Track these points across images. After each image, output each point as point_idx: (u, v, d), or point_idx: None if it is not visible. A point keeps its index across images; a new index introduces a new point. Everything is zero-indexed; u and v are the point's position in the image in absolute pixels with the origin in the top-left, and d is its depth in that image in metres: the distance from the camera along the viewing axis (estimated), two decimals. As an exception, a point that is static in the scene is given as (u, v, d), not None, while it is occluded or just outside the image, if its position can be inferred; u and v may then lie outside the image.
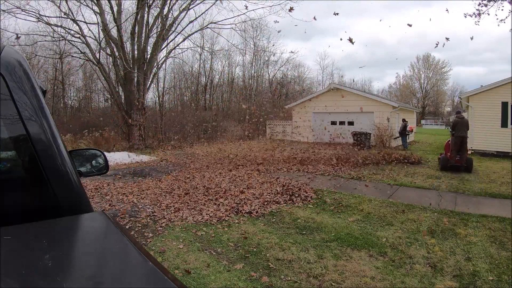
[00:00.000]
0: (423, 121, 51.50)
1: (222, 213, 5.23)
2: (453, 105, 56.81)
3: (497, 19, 9.37)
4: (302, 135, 18.60)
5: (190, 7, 15.20)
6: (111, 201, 6.00)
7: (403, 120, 15.74)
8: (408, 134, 15.86)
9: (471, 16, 9.40)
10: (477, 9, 9.31)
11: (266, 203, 5.86)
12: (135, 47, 15.05)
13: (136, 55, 15.04)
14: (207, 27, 16.52)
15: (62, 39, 14.93)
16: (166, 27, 15.16)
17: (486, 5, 9.21)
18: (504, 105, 12.84)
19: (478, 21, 9.58)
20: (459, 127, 9.40)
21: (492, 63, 73.71)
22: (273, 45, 42.63)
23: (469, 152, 13.47)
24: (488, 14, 9.46)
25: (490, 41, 67.99)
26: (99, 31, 14.29)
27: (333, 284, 3.16)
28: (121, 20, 14.54)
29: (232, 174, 8.42)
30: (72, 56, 18.65)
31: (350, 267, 3.48)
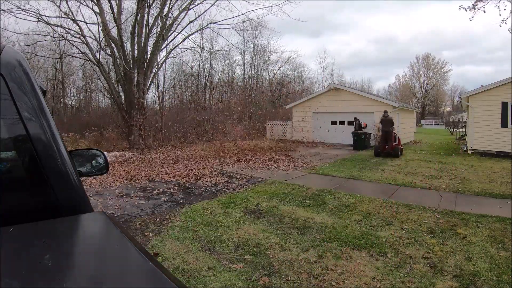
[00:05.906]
0: (423, 121, 51.54)
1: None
2: (453, 105, 56.80)
3: (503, 20, 9.42)
4: (302, 135, 18.61)
5: (190, 7, 15.22)
6: (111, 201, 6.00)
7: (355, 118, 15.17)
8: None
9: (466, 10, 9.54)
10: (472, 4, 9.47)
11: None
12: (135, 47, 15.04)
13: (136, 55, 15.04)
14: (207, 27, 16.55)
15: (62, 39, 14.92)
16: (166, 27, 15.16)
17: (475, 5, 9.39)
18: (504, 105, 12.81)
19: (473, 17, 9.69)
20: (384, 124, 12.32)
21: (503, 62, 73.19)
22: (275, 53, 42.34)
23: (470, 152, 13.49)
24: (484, 12, 9.56)
25: (502, 40, 67.77)
26: (99, 31, 14.29)
27: (333, 284, 3.16)
28: (121, 20, 14.54)
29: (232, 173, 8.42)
30: (72, 56, 18.62)
31: (350, 267, 3.48)
